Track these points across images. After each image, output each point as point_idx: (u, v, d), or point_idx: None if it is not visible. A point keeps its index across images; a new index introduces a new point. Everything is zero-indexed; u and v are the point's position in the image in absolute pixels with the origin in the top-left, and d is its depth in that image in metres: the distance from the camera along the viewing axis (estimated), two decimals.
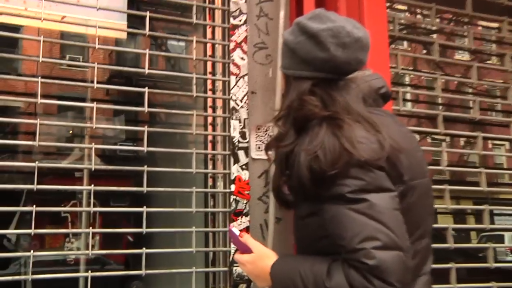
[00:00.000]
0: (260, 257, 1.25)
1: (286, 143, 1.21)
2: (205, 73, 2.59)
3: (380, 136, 1.10)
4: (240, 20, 2.43)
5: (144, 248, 2.06)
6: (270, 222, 2.30)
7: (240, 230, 2.32)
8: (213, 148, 2.54)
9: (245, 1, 2.46)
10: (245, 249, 1.29)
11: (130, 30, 2.24)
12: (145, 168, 2.13)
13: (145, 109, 2.14)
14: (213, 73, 2.57)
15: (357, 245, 1.00)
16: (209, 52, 2.63)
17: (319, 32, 1.19)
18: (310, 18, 1.24)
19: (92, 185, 2.01)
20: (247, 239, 1.30)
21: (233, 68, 2.38)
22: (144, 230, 2.09)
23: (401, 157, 1.13)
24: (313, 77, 1.21)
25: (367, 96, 1.22)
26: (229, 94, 2.37)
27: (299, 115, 1.20)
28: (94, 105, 2.05)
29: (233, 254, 2.24)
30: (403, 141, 1.17)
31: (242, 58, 2.41)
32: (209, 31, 2.71)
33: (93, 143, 2.07)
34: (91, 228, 2.00)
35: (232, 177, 2.31)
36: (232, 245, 2.26)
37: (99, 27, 2.11)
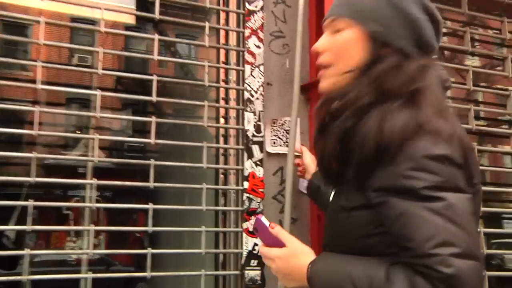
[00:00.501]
0: (294, 254, 1.06)
1: (357, 106, 1.00)
2: (218, 63, 2.43)
3: (457, 129, 0.97)
4: (256, 6, 2.27)
5: (149, 248, 1.91)
6: (285, 222, 2.13)
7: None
8: (225, 143, 2.37)
9: None
10: (275, 243, 1.11)
11: (139, 13, 2.08)
12: (152, 162, 1.97)
13: (154, 98, 1.98)
14: (227, 62, 2.41)
15: (430, 250, 0.84)
16: (222, 41, 2.47)
17: (440, 20, 1.10)
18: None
19: (94, 179, 1.85)
20: (279, 231, 1.10)
21: (248, 57, 2.22)
22: (150, 228, 1.93)
23: (473, 157, 1.00)
24: (413, 57, 1.06)
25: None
26: (243, 85, 2.20)
27: (387, 86, 1.00)
28: (99, 92, 1.90)
29: (248, 251, 2.08)
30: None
31: (257, 47, 2.25)
32: (222, 20, 2.54)
33: (96, 134, 1.91)
34: (92, 225, 1.84)
35: (246, 174, 2.15)
36: (246, 244, 2.10)
37: (105, 9, 1.96)
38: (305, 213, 2.32)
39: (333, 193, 1.16)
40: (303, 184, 2.27)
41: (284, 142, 2.30)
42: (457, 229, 0.85)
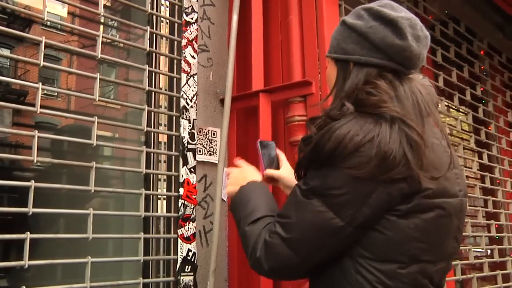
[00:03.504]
0: (246, 171, 1.39)
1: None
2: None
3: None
4: (192, 18, 2.34)
5: (89, 257, 1.78)
6: (215, 227, 2.21)
7: (190, 235, 2.19)
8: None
9: (197, 0, 2.38)
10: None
11: (76, 4, 1.96)
12: (93, 164, 1.88)
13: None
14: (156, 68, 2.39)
15: (277, 219, 1.12)
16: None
17: (398, 19, 1.09)
18: (382, 5, 1.14)
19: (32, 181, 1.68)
20: (242, 163, 1.44)
21: (184, 66, 2.26)
22: (89, 235, 1.83)
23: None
24: (383, 66, 1.10)
25: None
26: (179, 93, 2.23)
27: (369, 102, 1.04)
28: None
29: (183, 257, 2.07)
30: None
31: (193, 57, 2.31)
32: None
33: None
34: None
35: (181, 180, 2.17)
36: (181, 250, 2.11)
37: None
38: (224, 219, 2.42)
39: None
40: (225, 193, 2.38)
41: (207, 151, 2.38)
42: (298, 225, 1.05)
